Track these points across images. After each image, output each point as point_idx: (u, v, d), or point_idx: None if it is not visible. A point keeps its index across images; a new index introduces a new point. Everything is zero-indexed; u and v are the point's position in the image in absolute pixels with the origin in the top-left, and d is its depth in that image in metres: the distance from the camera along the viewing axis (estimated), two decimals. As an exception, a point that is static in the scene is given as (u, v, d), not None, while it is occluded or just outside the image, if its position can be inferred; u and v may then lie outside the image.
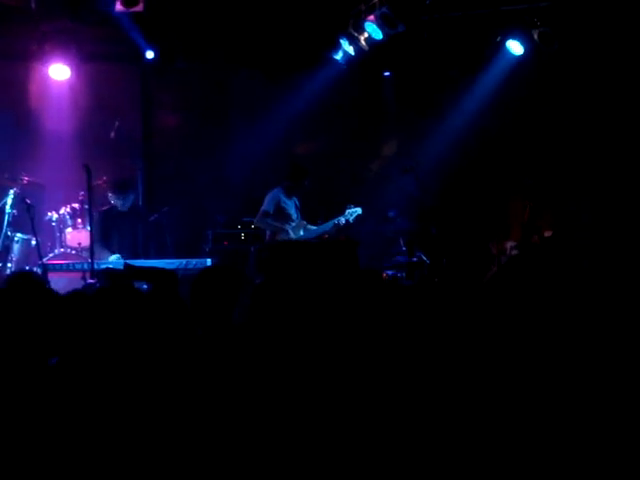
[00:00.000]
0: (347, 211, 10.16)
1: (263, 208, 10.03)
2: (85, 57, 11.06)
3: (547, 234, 9.71)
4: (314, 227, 10.25)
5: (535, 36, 10.16)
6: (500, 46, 10.67)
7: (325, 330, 4.23)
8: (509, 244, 9.91)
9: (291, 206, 10.11)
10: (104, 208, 9.95)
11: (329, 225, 10.15)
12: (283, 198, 10.06)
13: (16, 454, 3.45)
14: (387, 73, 12.35)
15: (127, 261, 9.11)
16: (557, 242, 9.58)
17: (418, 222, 10.96)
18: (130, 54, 11.53)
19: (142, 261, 9.18)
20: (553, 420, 3.55)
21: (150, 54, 11.37)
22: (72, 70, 10.97)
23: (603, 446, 3.41)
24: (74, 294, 4.32)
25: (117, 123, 11.36)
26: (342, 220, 10.09)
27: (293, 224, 10.10)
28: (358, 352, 4.01)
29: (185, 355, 4.00)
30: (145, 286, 9.32)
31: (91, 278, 8.53)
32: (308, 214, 10.42)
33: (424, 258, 10.47)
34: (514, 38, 10.46)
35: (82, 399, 3.61)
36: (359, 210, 10.22)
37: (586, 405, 3.60)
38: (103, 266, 9.11)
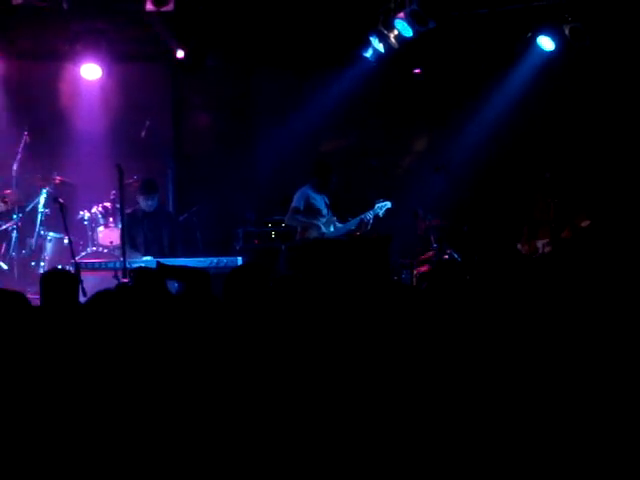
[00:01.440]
0: (377, 205, 10.14)
1: (293, 205, 10.04)
2: (116, 57, 11.12)
3: (584, 224, 9.53)
4: (341, 225, 10.22)
5: (566, 32, 10.08)
6: (531, 42, 10.60)
7: (352, 332, 4.20)
8: (540, 242, 9.82)
9: (320, 202, 10.10)
10: (128, 211, 9.92)
11: (355, 222, 10.12)
12: (312, 194, 10.07)
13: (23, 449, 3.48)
14: (417, 70, 12.29)
15: (159, 260, 9.19)
16: (597, 231, 9.41)
17: (449, 219, 10.91)
18: (161, 54, 11.56)
19: (174, 260, 9.23)
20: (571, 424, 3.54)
21: (180, 53, 11.38)
22: (103, 70, 11.04)
23: (605, 446, 3.40)
24: (103, 294, 4.31)
25: (148, 123, 11.42)
26: (368, 216, 10.05)
27: (324, 219, 10.08)
28: (382, 355, 3.98)
29: (219, 351, 4.00)
30: (176, 285, 9.39)
31: (123, 277, 8.55)
32: (338, 211, 10.40)
33: (455, 255, 10.41)
34: (545, 34, 10.38)
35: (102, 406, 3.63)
36: (389, 204, 10.19)
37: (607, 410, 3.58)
38: (135, 265, 9.15)
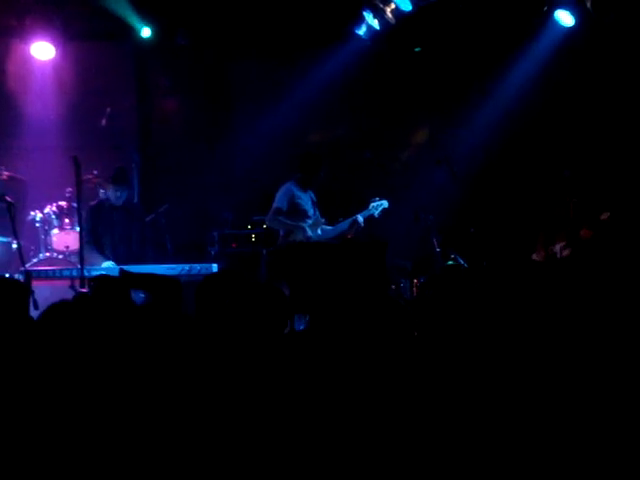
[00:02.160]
0: (371, 204, 10.09)
1: (275, 205, 9.94)
2: (72, 34, 11.03)
3: (604, 217, 9.48)
4: (330, 227, 10.16)
5: (588, 4, 10.06)
6: (547, 17, 10.58)
7: (340, 352, 4.19)
8: (558, 246, 9.79)
9: (306, 201, 10.02)
10: (93, 203, 9.86)
11: (346, 224, 10.06)
12: (297, 192, 9.97)
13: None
14: (418, 49, 12.23)
15: (123, 267, 9.12)
16: (619, 224, 9.37)
17: (454, 220, 10.88)
18: (123, 31, 11.47)
19: (140, 267, 9.17)
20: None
21: (147, 32, 11.33)
22: (57, 49, 10.94)
23: (605, 446, 3.53)
24: (58, 306, 4.24)
25: (109, 109, 11.35)
26: (360, 218, 10.01)
27: (310, 221, 10.00)
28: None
29: (188, 371, 3.96)
30: (142, 295, 9.30)
31: (81, 287, 8.49)
32: (328, 211, 10.34)
33: (460, 261, 10.37)
34: (563, 7, 10.37)
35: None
36: (385, 203, 10.13)
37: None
38: (95, 273, 9.08)
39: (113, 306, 5.44)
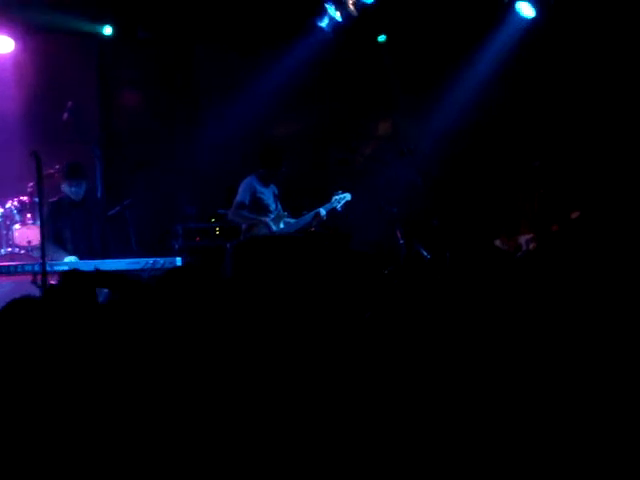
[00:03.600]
0: (334, 198, 10.07)
1: (237, 199, 9.90)
2: (32, 27, 10.91)
3: (574, 215, 9.49)
4: (293, 220, 10.12)
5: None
6: (509, 8, 10.58)
7: (309, 335, 4.16)
8: (523, 238, 9.76)
9: (268, 195, 9.98)
10: (53, 199, 9.77)
11: (309, 217, 10.03)
12: (259, 187, 9.93)
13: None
14: (382, 38, 12.16)
15: (89, 263, 9.06)
16: (590, 223, 9.38)
17: (417, 212, 10.86)
18: (84, 25, 11.37)
19: (102, 261, 9.10)
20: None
21: (108, 30, 11.27)
22: (17, 42, 10.85)
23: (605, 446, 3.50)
24: (19, 302, 4.16)
25: (70, 103, 11.22)
26: (323, 211, 9.98)
27: (272, 215, 9.97)
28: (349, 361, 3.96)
29: (150, 370, 3.90)
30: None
31: (43, 282, 8.39)
32: (291, 205, 10.30)
33: (424, 253, 10.36)
34: (524, -1, 10.39)
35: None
36: (348, 196, 10.12)
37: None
38: (57, 268, 9.00)
39: (79, 302, 5.36)
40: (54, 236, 9.50)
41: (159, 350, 4.10)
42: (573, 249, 9.23)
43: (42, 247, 8.57)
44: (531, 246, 9.69)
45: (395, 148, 10.75)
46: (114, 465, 3.50)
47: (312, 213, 10.03)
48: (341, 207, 10.11)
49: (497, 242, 9.97)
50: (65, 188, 9.79)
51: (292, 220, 10.12)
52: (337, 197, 10.11)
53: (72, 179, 9.75)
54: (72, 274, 5.93)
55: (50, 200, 9.67)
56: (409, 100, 12.19)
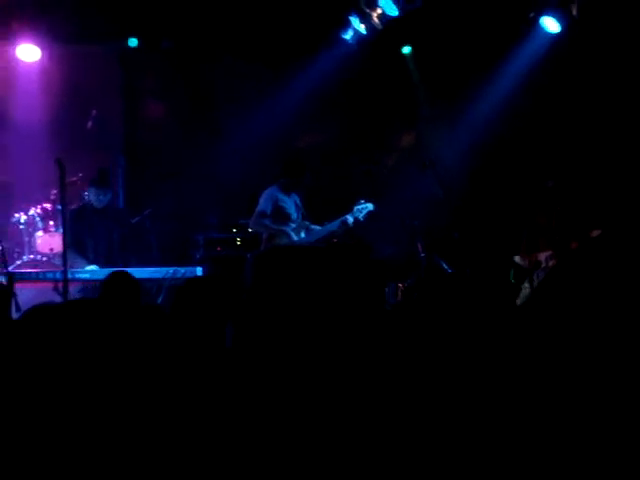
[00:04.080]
0: (355, 208, 9.99)
1: (259, 208, 9.86)
2: (58, 37, 10.95)
3: (595, 234, 9.40)
4: (318, 227, 10.08)
5: (574, 11, 10.01)
6: (534, 23, 10.52)
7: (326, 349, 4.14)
8: (543, 255, 9.68)
9: (290, 205, 9.94)
10: (74, 207, 9.79)
11: (335, 225, 9.96)
12: (281, 196, 9.89)
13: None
14: (407, 50, 12.11)
15: (107, 270, 9.06)
16: (611, 241, 9.29)
17: (438, 225, 10.81)
18: (110, 35, 11.41)
19: (128, 270, 9.10)
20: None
21: (133, 42, 11.34)
22: (43, 51, 10.90)
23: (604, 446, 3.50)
24: (40, 308, 4.16)
25: (94, 112, 11.29)
26: (350, 219, 9.92)
27: (294, 225, 9.92)
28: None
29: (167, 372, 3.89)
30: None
31: (64, 290, 8.41)
32: (314, 215, 10.28)
33: (444, 266, 10.31)
34: (549, 14, 10.31)
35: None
36: (370, 206, 10.05)
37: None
38: (79, 276, 9.03)
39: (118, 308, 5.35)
40: (76, 243, 9.52)
41: (178, 356, 4.09)
42: (593, 266, 9.14)
43: (64, 255, 8.60)
44: (551, 263, 9.60)
45: (417, 160, 10.72)
46: (120, 464, 3.49)
47: (338, 221, 9.97)
48: (363, 217, 10.04)
49: (517, 258, 9.90)
50: (91, 195, 9.83)
51: (317, 227, 10.06)
52: (359, 207, 10.03)
53: (100, 187, 9.79)
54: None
55: (72, 207, 9.70)
56: (433, 112, 12.15)
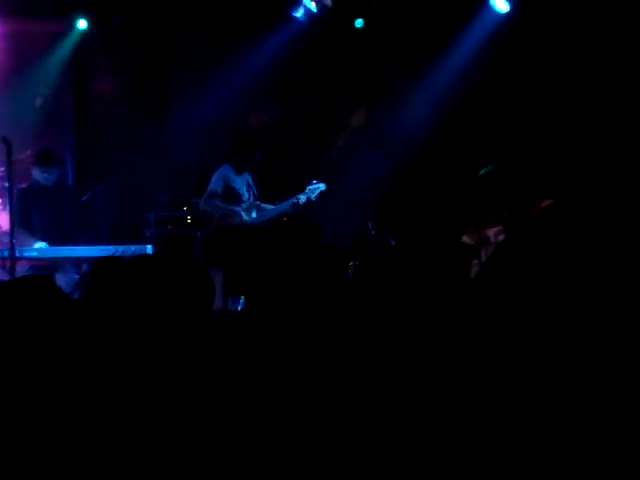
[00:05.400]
0: (308, 187, 9.96)
1: (210, 188, 9.78)
2: (5, 12, 10.77)
3: (545, 204, 9.39)
4: (270, 207, 10.04)
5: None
6: (483, 2, 10.54)
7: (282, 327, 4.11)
8: (492, 231, 9.70)
9: (242, 185, 9.88)
10: (22, 186, 9.67)
11: (287, 205, 9.94)
12: (232, 176, 9.82)
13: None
14: (359, 23, 11.99)
15: (57, 248, 9.03)
16: (562, 211, 9.29)
17: (387, 203, 10.82)
18: (59, 10, 11.27)
19: (72, 248, 9.08)
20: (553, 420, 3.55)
21: (83, 24, 11.20)
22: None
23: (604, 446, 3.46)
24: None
25: (43, 89, 11.12)
26: (302, 198, 9.89)
27: (245, 205, 9.87)
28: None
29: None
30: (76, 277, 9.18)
31: (11, 268, 8.33)
32: (265, 193, 10.23)
33: (392, 242, 10.33)
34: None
35: None
36: (322, 186, 10.02)
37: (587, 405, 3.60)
38: (27, 254, 8.94)
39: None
40: (23, 222, 9.39)
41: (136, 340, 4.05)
42: (546, 237, 9.16)
43: (11, 233, 8.49)
44: (500, 238, 9.62)
45: (367, 139, 10.72)
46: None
47: (290, 201, 9.94)
48: (315, 197, 10.03)
49: (464, 237, 9.90)
50: (36, 174, 9.71)
51: (269, 207, 10.02)
52: (311, 187, 10.01)
53: (43, 165, 9.67)
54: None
55: (20, 186, 9.57)
56: (383, 92, 12.13)
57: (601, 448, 3.42)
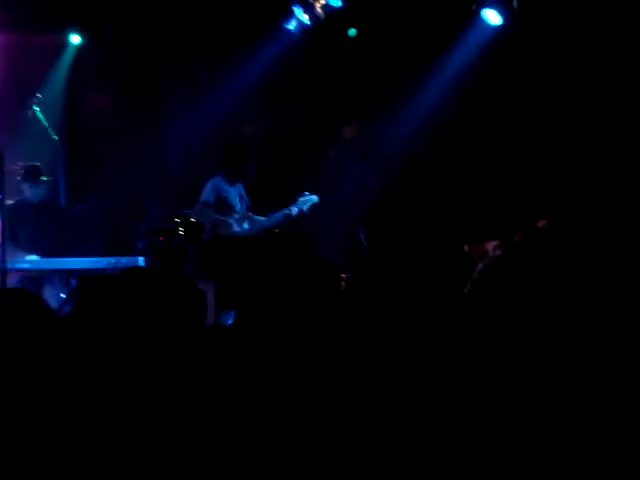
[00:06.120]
0: (300, 199, 9.96)
1: (202, 198, 9.80)
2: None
3: (541, 224, 9.40)
4: (261, 219, 10.02)
5: (514, 3, 10.04)
6: (475, 15, 10.52)
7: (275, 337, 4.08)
8: (490, 245, 9.68)
9: (234, 196, 9.88)
10: (10, 202, 9.66)
11: (279, 216, 9.92)
12: (224, 186, 9.82)
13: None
14: (352, 32, 11.94)
15: (48, 260, 9.02)
16: (556, 232, 9.31)
17: (381, 215, 10.82)
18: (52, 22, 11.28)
19: (65, 259, 9.05)
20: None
21: (76, 39, 11.21)
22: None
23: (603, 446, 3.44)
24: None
25: (35, 100, 11.08)
26: (294, 210, 9.88)
27: (237, 215, 9.86)
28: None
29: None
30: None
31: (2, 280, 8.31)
32: (257, 205, 10.22)
33: (387, 257, 10.30)
34: (491, 6, 10.32)
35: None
36: (315, 198, 10.02)
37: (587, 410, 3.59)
38: (19, 265, 8.94)
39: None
40: (12, 238, 9.38)
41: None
42: (537, 256, 9.14)
43: (2, 244, 8.48)
44: (497, 252, 9.61)
45: (358, 150, 10.71)
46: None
47: (282, 212, 9.93)
48: (308, 209, 10.02)
49: (466, 247, 9.91)
50: (25, 190, 9.77)
51: (261, 219, 10.01)
52: (303, 199, 10.01)
53: (31, 181, 9.72)
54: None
55: (9, 202, 9.54)
56: (375, 104, 12.11)
57: (600, 450, 3.40)
